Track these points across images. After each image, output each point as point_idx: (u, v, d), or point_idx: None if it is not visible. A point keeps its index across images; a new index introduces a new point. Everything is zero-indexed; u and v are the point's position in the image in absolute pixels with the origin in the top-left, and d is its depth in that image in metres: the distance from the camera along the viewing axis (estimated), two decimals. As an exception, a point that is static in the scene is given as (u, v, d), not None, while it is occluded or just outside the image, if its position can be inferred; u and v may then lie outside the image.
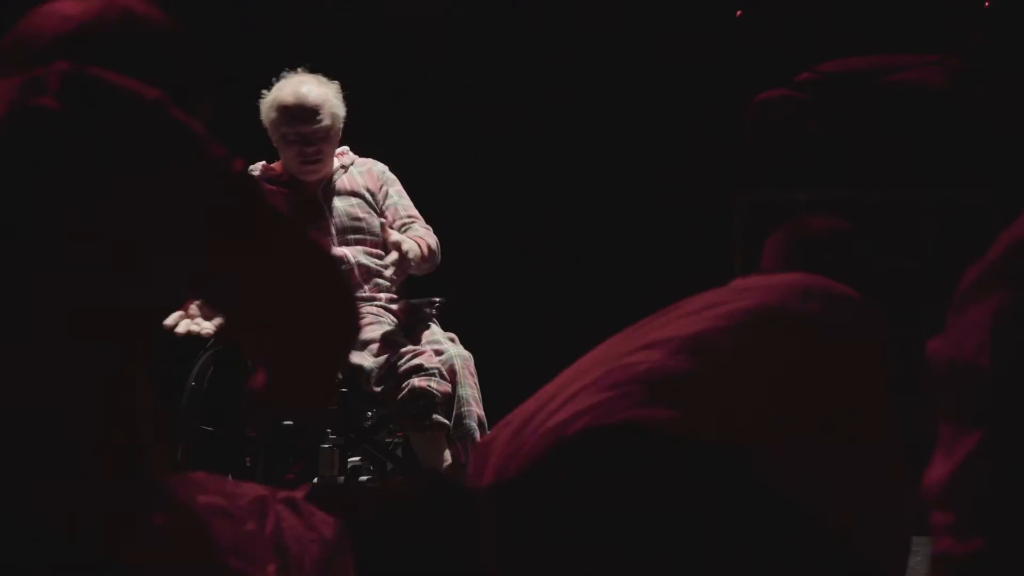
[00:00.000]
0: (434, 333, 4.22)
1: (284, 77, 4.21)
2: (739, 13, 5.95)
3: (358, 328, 1.73)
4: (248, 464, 4.14)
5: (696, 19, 6.04)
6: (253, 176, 1.56)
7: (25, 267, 1.51)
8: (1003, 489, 1.27)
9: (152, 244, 1.53)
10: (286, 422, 4.00)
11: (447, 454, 3.96)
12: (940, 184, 5.72)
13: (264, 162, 4.27)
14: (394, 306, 4.23)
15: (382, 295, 4.22)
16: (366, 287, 4.20)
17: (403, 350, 3.97)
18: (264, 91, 4.22)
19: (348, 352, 1.72)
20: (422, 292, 4.45)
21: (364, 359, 3.99)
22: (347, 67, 4.51)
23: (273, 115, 4.15)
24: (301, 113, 4.13)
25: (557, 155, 6.16)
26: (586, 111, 6.18)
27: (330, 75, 4.31)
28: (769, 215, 5.98)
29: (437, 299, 4.45)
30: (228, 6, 5.59)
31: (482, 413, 4.07)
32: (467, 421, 4.00)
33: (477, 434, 4.00)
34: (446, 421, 3.95)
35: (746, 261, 5.95)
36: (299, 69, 4.23)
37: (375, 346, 4.02)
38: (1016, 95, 5.57)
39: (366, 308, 4.14)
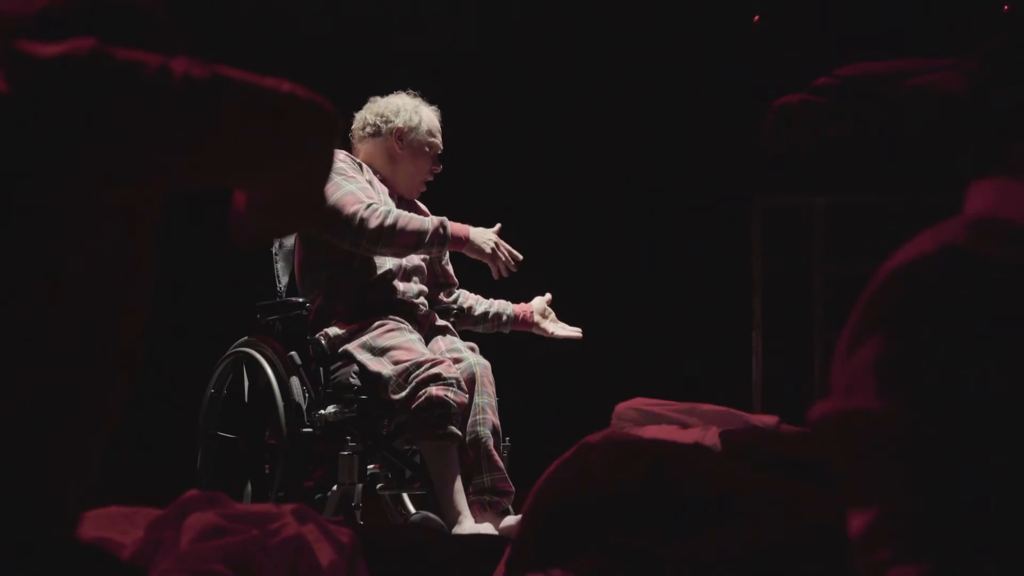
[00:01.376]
0: (454, 342, 4.25)
1: (410, 96, 4.39)
2: (757, 18, 5.95)
3: (331, 159, 1.73)
4: (267, 471, 4.14)
5: (714, 24, 6.04)
6: (198, 65, 1.55)
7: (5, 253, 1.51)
8: (931, 520, 1.26)
9: (131, 173, 1.55)
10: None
11: (456, 464, 3.97)
12: (958, 188, 5.70)
13: (343, 153, 4.29)
14: (419, 313, 4.24)
15: (415, 299, 4.25)
16: (401, 286, 4.23)
17: (422, 359, 3.98)
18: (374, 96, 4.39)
19: (325, 180, 1.74)
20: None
21: (383, 367, 4.00)
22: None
23: (425, 127, 4.32)
24: (440, 133, 4.36)
25: (574, 161, 6.17)
26: (602, 115, 6.18)
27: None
28: (788, 219, 5.99)
29: (455, 307, 4.47)
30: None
31: (497, 422, 4.08)
32: (481, 428, 4.02)
33: (491, 442, 4.02)
34: (459, 432, 3.96)
35: (764, 264, 5.96)
36: (411, 91, 4.42)
37: (394, 353, 4.02)
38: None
39: (391, 312, 4.16)
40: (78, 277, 1.54)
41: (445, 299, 4.47)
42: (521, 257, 4.22)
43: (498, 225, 4.22)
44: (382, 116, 4.31)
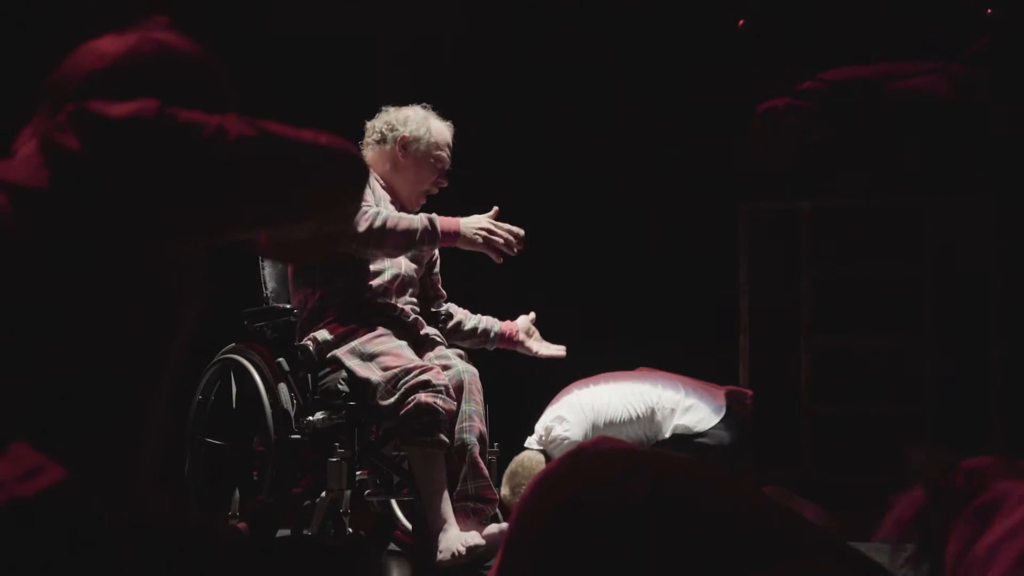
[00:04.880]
0: (441, 349, 4.24)
1: (423, 108, 4.39)
2: (741, 23, 5.96)
3: (360, 204, 1.83)
4: (255, 478, 4.14)
5: (698, 29, 6.05)
6: (248, 124, 1.64)
7: (68, 297, 1.63)
8: None
9: (184, 227, 1.66)
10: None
11: (443, 472, 3.96)
12: (941, 191, 5.73)
13: None
14: (408, 320, 4.24)
15: (404, 306, 4.24)
16: (393, 295, 4.23)
17: (411, 365, 3.98)
18: (386, 106, 4.40)
19: (352, 222, 1.84)
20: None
21: (372, 372, 3.99)
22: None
23: (432, 139, 4.31)
24: (450, 149, 4.36)
25: (560, 169, 6.18)
26: (589, 121, 6.18)
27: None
28: (773, 223, 6.00)
29: (444, 312, 4.47)
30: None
31: (484, 429, 4.08)
32: (467, 436, 4.01)
33: (476, 450, 4.02)
34: (447, 440, 3.95)
35: (751, 269, 5.96)
36: (427, 104, 4.42)
37: (383, 359, 4.02)
38: (1017, 101, 5.57)
39: (381, 319, 4.16)
40: (145, 313, 1.68)
41: (433, 311, 4.48)
42: (522, 232, 4.19)
43: (494, 209, 4.20)
44: (389, 124, 4.32)
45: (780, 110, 5.81)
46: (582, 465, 1.98)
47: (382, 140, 4.33)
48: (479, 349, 4.54)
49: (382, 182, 4.31)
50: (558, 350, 4.55)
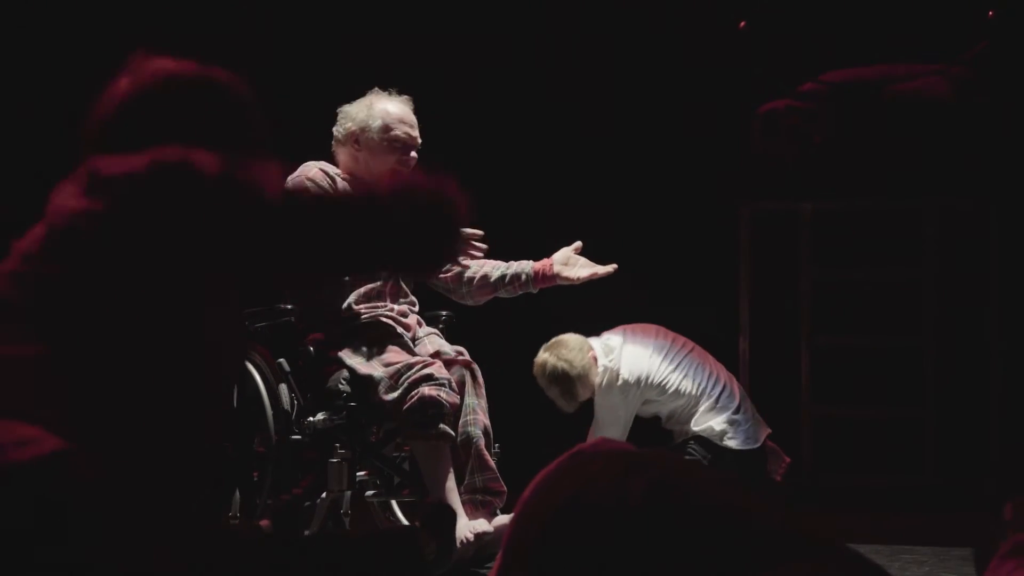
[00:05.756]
0: (443, 346, 4.24)
1: (373, 93, 4.25)
2: (743, 24, 5.97)
3: (454, 241, 1.79)
4: (255, 478, 4.14)
5: (700, 29, 6.05)
6: (284, 185, 1.62)
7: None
8: None
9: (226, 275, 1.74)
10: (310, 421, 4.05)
11: (449, 464, 3.96)
12: (941, 191, 5.73)
13: (320, 165, 4.20)
14: (405, 319, 4.23)
15: (400, 306, 4.23)
16: (388, 299, 4.21)
17: (413, 360, 3.97)
18: (341, 106, 4.29)
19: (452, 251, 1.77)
20: (431, 306, 4.47)
21: (374, 369, 3.99)
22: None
23: (378, 123, 4.15)
24: (409, 123, 4.20)
25: (561, 169, 6.18)
26: (590, 123, 6.19)
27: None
28: (774, 224, 6.01)
29: (444, 313, 4.47)
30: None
31: (488, 423, 4.07)
32: (471, 429, 4.01)
33: (481, 442, 4.01)
34: (451, 432, 3.94)
35: (751, 269, 5.97)
36: (378, 88, 4.29)
37: (385, 356, 4.02)
38: (1017, 104, 5.58)
39: (379, 321, 4.15)
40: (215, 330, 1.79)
41: (443, 275, 4.36)
42: (480, 233, 3.96)
43: None
44: (341, 123, 4.24)
45: (781, 111, 5.82)
46: (581, 466, 1.98)
47: (339, 142, 4.22)
48: (522, 295, 4.37)
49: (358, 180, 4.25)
50: (601, 269, 4.25)
